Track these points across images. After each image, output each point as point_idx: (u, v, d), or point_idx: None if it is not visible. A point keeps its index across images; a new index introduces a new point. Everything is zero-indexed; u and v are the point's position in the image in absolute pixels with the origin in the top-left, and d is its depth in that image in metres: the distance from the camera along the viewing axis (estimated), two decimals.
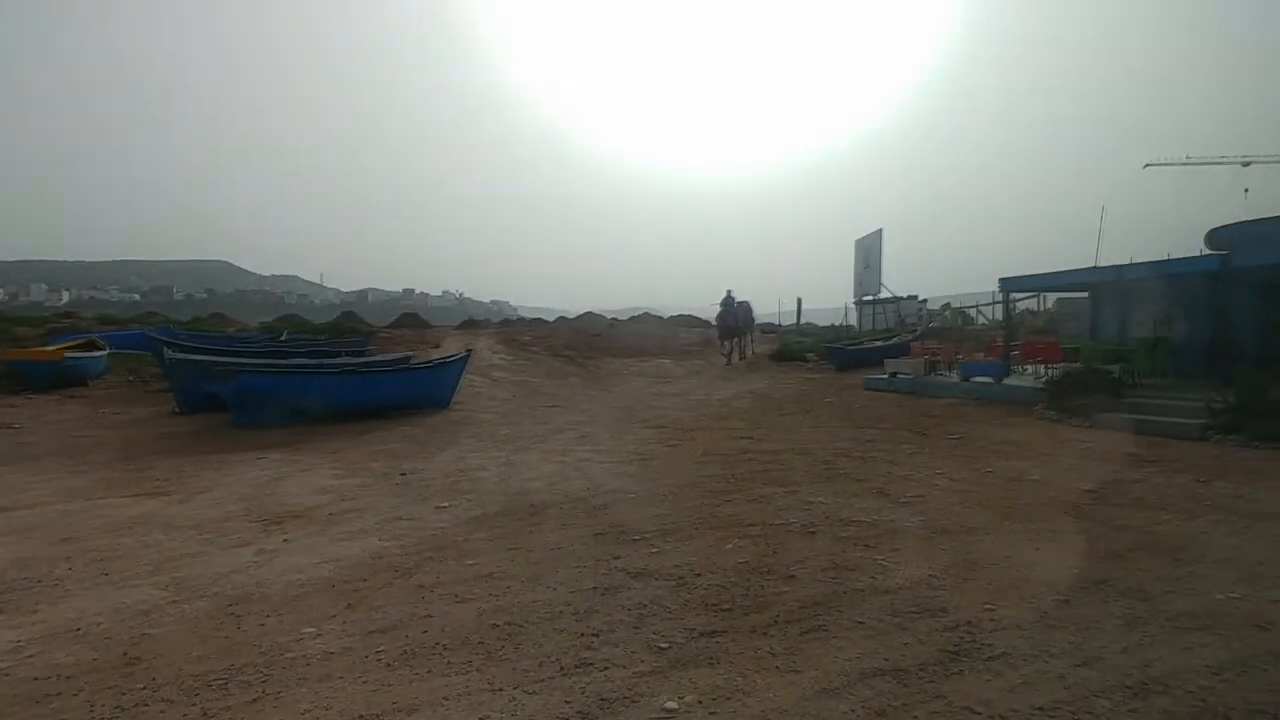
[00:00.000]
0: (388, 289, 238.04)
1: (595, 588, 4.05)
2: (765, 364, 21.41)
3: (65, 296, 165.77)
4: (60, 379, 12.17)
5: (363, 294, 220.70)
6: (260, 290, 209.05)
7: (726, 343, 20.71)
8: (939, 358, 14.39)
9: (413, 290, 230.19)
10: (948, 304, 40.74)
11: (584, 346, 24.14)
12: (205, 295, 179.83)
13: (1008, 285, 13.90)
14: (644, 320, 30.48)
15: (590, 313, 31.72)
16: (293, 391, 9.76)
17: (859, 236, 26.79)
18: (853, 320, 30.63)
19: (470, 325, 31.06)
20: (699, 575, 4.21)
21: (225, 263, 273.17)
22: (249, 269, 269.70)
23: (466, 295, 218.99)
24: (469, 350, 13.49)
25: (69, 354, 12.73)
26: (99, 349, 14.27)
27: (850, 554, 4.58)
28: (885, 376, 14.69)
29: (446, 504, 6.08)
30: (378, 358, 12.02)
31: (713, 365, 20.87)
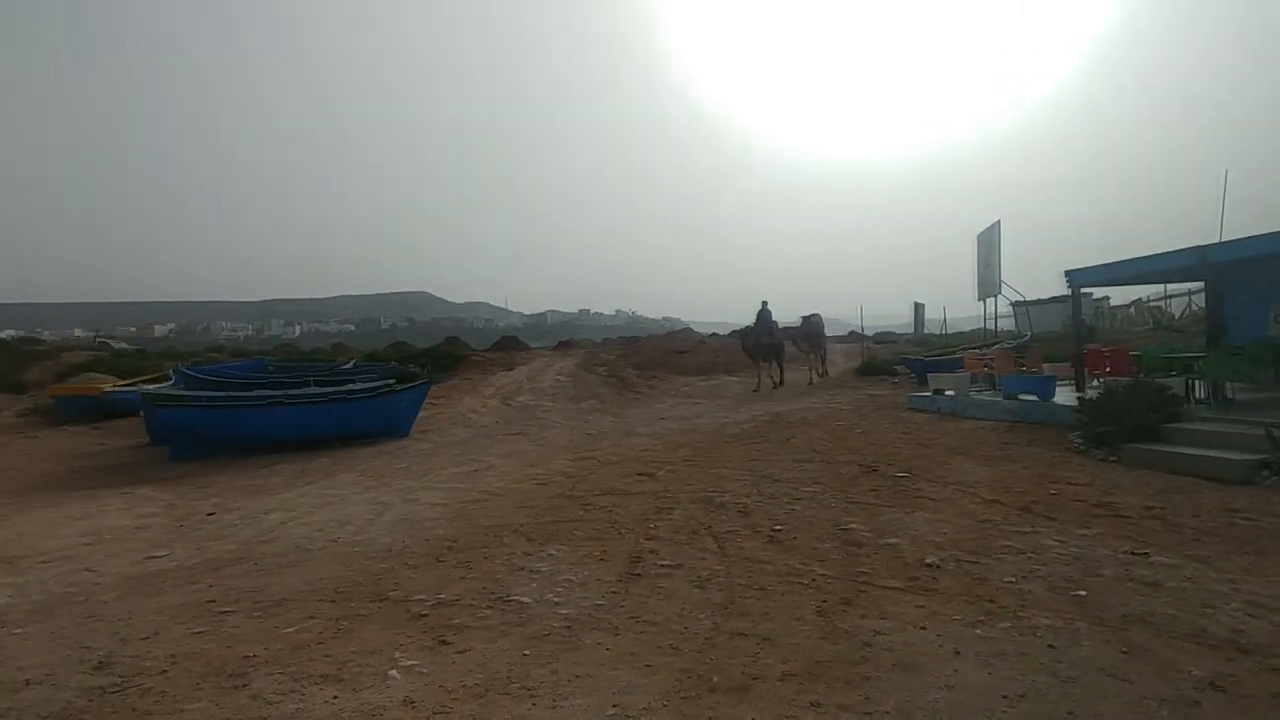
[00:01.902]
0: (565, 310, 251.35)
1: None
2: (846, 380, 19.25)
3: (298, 330, 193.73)
4: (102, 410, 13.76)
5: (541, 316, 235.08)
6: (452, 317, 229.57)
7: (763, 363, 18.06)
8: (992, 370, 11.86)
9: (588, 310, 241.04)
10: (1137, 299, 34.59)
11: (656, 365, 23.37)
12: (406, 324, 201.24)
13: (1075, 279, 11.12)
14: (742, 335, 28.97)
15: (688, 328, 30.80)
16: (203, 425, 10.12)
17: (979, 231, 23.40)
18: (1009, 325, 26.89)
19: (566, 345, 31.53)
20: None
21: (425, 293, 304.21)
22: (445, 297, 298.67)
23: (638, 313, 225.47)
24: (428, 379, 13.42)
25: (115, 388, 14.37)
26: (166, 382, 15.97)
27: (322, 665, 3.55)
28: (929, 394, 12.44)
29: (164, 553, 5.76)
30: (343, 387, 12.21)
31: (786, 383, 19.03)
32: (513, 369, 24.38)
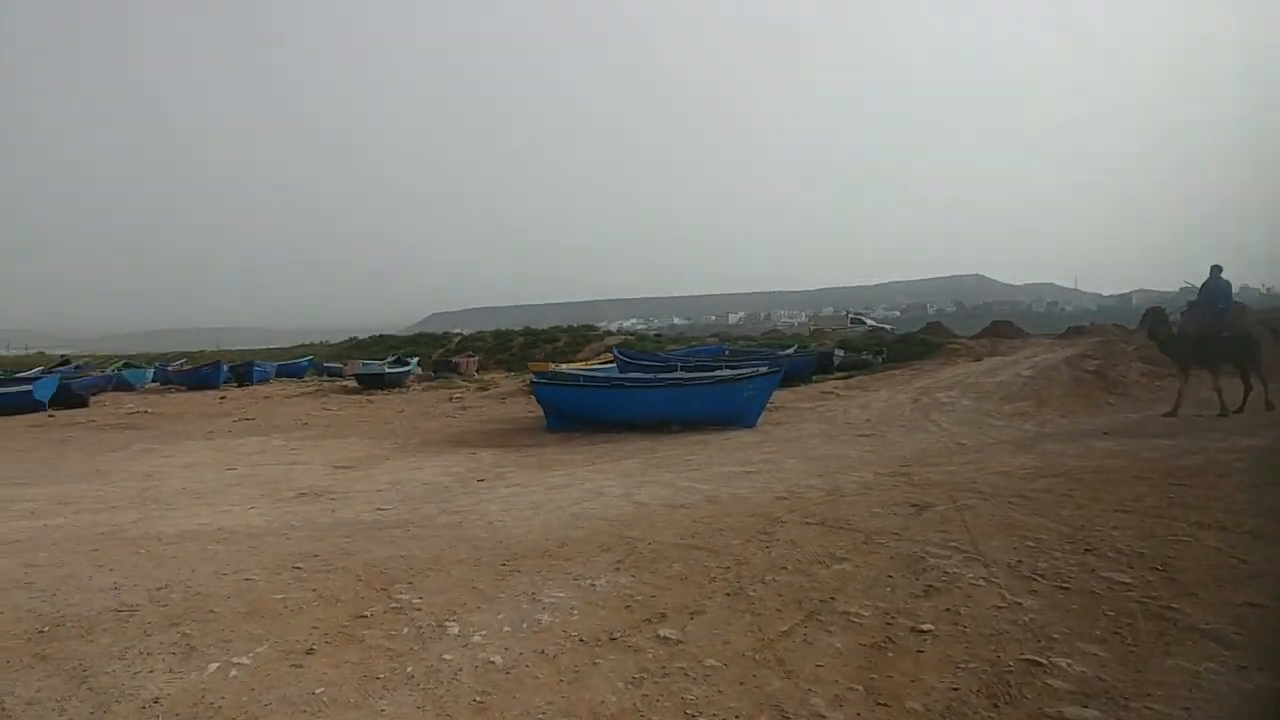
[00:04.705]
0: (1158, 289, 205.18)
1: None
2: None
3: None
4: None
5: (1125, 297, 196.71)
6: (1007, 301, 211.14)
7: (1187, 369, 11.19)
8: None
9: (1192, 285, 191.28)
10: None
11: (1167, 360, 17.32)
12: (954, 309, 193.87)
13: None
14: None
15: None
16: (562, 401, 11.60)
17: None
18: None
19: (1075, 332, 25.83)
20: None
21: (979, 276, 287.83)
22: (1002, 280, 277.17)
23: (1277, 290, 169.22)
24: (779, 369, 12.29)
25: (561, 368, 17.81)
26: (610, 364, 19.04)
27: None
28: None
29: (390, 509, 6.85)
30: (695, 375, 12.46)
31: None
32: (980, 360, 21.28)
